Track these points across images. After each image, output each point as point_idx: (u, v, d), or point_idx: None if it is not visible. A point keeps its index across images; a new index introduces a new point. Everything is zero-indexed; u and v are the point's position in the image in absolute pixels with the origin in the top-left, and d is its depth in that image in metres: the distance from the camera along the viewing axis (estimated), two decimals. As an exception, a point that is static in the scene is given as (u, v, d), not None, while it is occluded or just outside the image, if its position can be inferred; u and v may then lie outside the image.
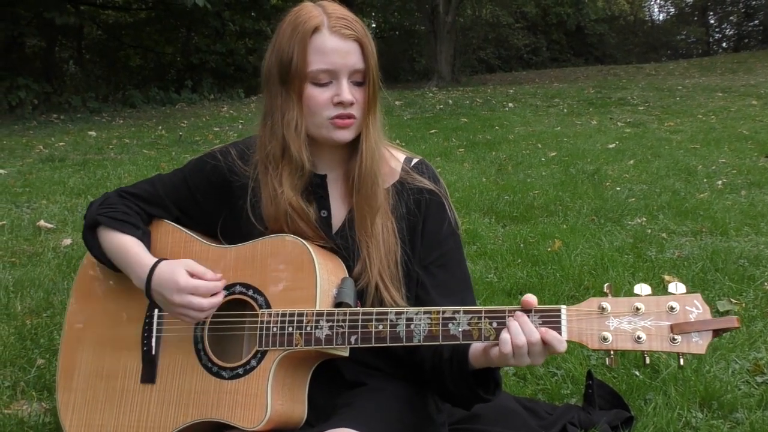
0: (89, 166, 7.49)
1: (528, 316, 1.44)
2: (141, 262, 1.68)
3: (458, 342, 1.49)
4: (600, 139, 8.37)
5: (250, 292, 1.63)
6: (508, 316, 1.46)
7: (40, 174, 7.04)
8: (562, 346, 1.41)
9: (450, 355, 1.60)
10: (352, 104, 1.61)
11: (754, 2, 31.82)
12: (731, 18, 34.61)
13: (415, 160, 1.78)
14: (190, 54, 19.20)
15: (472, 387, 1.59)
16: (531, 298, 1.47)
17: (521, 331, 1.43)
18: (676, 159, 6.79)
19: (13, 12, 14.93)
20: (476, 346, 1.55)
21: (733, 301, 3.17)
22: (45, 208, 5.41)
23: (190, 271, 1.62)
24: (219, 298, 1.62)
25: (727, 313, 3.04)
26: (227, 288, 1.66)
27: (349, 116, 1.62)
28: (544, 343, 1.42)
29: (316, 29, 1.58)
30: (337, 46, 1.58)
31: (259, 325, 1.58)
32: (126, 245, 1.71)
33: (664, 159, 6.83)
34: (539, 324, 1.44)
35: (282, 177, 1.65)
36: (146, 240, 1.74)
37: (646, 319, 1.39)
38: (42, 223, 4.82)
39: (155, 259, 1.67)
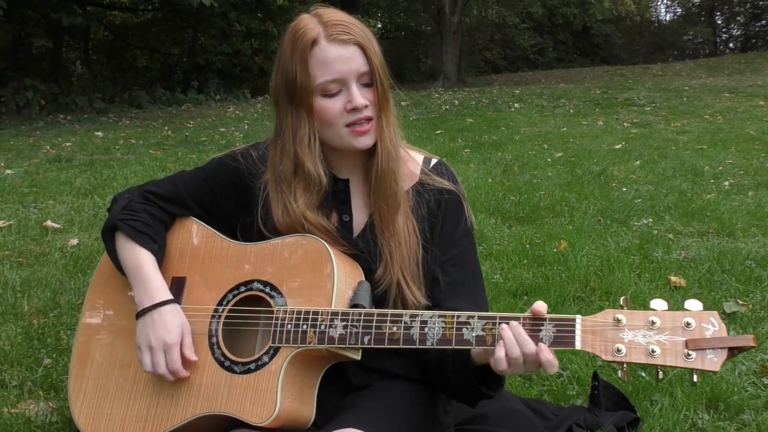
0: (96, 166, 7.51)
1: (542, 325, 1.44)
2: (152, 284, 1.69)
3: (471, 347, 1.49)
4: (606, 139, 8.35)
5: (267, 289, 1.65)
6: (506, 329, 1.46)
7: (47, 174, 7.06)
8: (553, 370, 1.42)
9: (453, 351, 1.61)
10: (366, 107, 1.62)
11: (761, 2, 31.71)
12: (738, 18, 34.52)
13: (434, 161, 1.80)
14: (196, 54, 19.23)
15: (475, 383, 1.59)
16: (541, 306, 1.47)
17: (516, 342, 1.43)
18: (683, 160, 6.77)
19: (21, 13, 14.99)
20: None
21: (740, 302, 3.16)
22: (52, 208, 5.43)
23: (183, 339, 1.64)
24: (170, 378, 1.63)
25: (734, 314, 3.04)
26: (245, 284, 1.67)
27: (367, 119, 1.63)
28: (539, 360, 1.42)
29: (314, 42, 1.58)
30: (338, 54, 1.58)
31: (273, 322, 1.59)
32: (140, 259, 1.72)
33: (671, 160, 6.81)
34: (554, 332, 1.44)
35: (296, 194, 1.66)
36: (160, 255, 1.75)
37: (661, 333, 1.38)
38: (49, 223, 4.84)
39: (169, 296, 1.69)
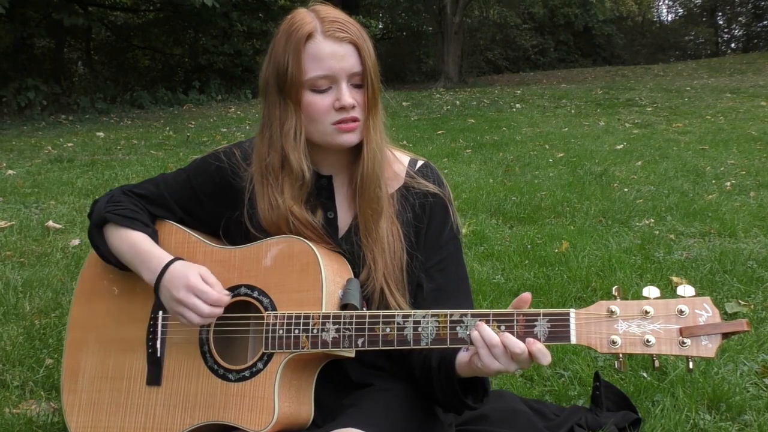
0: (97, 166, 7.52)
1: (536, 320, 1.44)
2: (155, 255, 1.67)
3: (466, 345, 1.48)
4: (608, 140, 8.35)
5: (255, 294, 1.62)
6: (516, 323, 1.45)
7: (49, 175, 7.07)
8: (546, 360, 1.41)
9: (438, 363, 1.60)
10: (353, 107, 1.60)
11: (763, 3, 31.69)
12: (740, 18, 34.53)
13: (419, 163, 1.77)
14: (197, 55, 19.26)
15: (459, 396, 1.58)
16: (525, 297, 1.47)
17: (503, 349, 1.41)
18: (684, 160, 6.77)
19: (23, 13, 15.01)
20: (462, 358, 1.53)
21: (742, 302, 3.16)
22: (53, 208, 5.43)
23: (203, 276, 1.62)
24: (218, 311, 1.60)
25: (735, 314, 3.03)
26: (232, 289, 1.65)
27: (353, 119, 1.61)
28: (530, 354, 1.41)
29: (309, 36, 1.56)
30: (332, 51, 1.56)
31: (264, 328, 1.57)
32: (137, 241, 1.70)
33: (672, 160, 6.81)
34: (548, 327, 1.43)
35: (283, 188, 1.64)
36: (155, 238, 1.74)
37: (655, 322, 1.38)
38: (50, 223, 4.84)
39: (172, 256, 1.67)
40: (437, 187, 1.73)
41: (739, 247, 4.00)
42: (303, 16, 1.60)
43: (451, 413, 1.83)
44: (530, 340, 1.41)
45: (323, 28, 1.57)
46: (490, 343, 1.42)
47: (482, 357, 1.43)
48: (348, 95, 1.58)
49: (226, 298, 1.61)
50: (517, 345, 1.40)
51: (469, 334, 1.46)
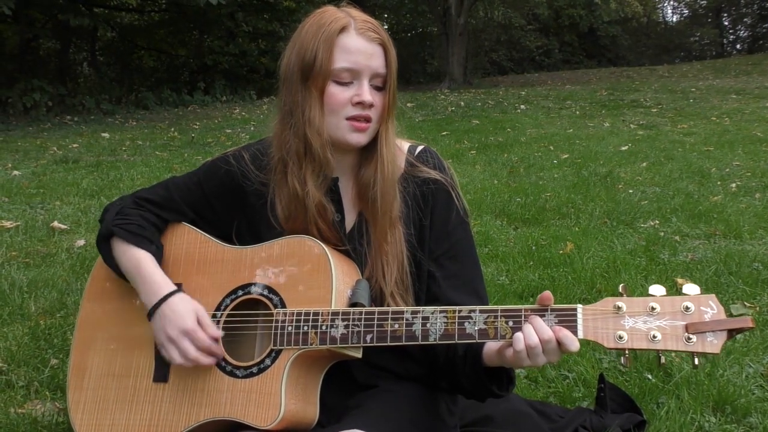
0: (102, 167, 7.54)
1: (543, 315, 1.44)
2: (155, 280, 1.68)
3: (474, 341, 1.49)
4: (612, 141, 8.34)
5: (266, 292, 1.63)
6: (525, 322, 1.45)
7: (54, 175, 7.09)
8: (575, 345, 1.41)
9: (464, 352, 1.60)
10: (371, 106, 1.61)
11: (768, 4, 31.63)
12: (745, 19, 34.48)
13: (419, 149, 1.78)
14: (202, 56, 19.31)
15: (485, 384, 1.59)
16: (547, 294, 1.46)
17: (533, 331, 1.42)
18: (690, 161, 6.75)
19: (28, 15, 15.06)
20: (490, 347, 1.54)
21: (747, 304, 3.15)
22: (59, 209, 5.45)
23: (199, 317, 1.63)
24: (205, 359, 1.60)
25: (740, 317, 3.03)
26: (243, 287, 1.67)
27: (367, 119, 1.62)
28: (558, 342, 1.41)
29: (343, 29, 1.60)
30: (362, 47, 1.60)
31: (274, 324, 1.58)
32: (140, 260, 1.71)
33: (677, 161, 6.79)
34: (555, 323, 1.43)
35: (306, 176, 1.65)
36: (159, 255, 1.74)
37: (661, 318, 1.39)
38: (56, 224, 4.86)
39: (173, 287, 1.68)
40: (438, 173, 1.73)
41: (744, 248, 3.99)
42: (335, 12, 1.64)
43: (457, 416, 1.83)
44: (557, 327, 1.42)
45: (356, 25, 1.61)
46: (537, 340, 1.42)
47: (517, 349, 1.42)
48: (367, 92, 1.61)
49: (218, 350, 1.61)
50: (546, 332, 1.41)
51: (499, 327, 1.46)
